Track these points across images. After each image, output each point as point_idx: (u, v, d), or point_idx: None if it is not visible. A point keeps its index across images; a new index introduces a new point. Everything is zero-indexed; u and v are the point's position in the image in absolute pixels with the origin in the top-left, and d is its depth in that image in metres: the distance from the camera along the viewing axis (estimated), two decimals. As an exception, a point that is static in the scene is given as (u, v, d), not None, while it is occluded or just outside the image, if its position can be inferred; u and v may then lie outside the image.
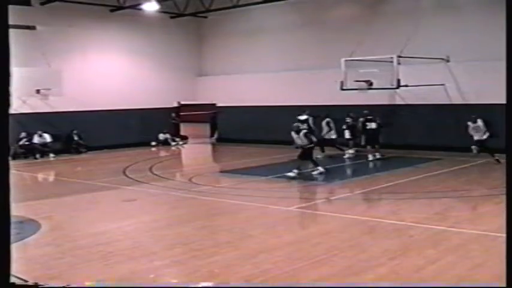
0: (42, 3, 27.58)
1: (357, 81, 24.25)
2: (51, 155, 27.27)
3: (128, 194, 16.86)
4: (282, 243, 10.46)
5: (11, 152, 26.56)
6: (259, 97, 31.06)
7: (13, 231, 11.63)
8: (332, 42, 28.01)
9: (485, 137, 20.79)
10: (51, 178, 22.73)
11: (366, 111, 23.60)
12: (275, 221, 12.74)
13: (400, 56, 23.05)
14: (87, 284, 8.11)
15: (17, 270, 9.00)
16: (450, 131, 24.18)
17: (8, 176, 3.14)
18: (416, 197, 15.32)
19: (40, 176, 22.62)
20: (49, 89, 26.32)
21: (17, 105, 26.64)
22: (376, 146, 23.20)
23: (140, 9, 29.25)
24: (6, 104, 3.07)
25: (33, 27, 27.01)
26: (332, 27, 28.62)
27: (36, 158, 26.53)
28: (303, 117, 24.85)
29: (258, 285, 8.28)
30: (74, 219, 13.68)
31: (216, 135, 33.96)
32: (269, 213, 13.57)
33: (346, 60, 24.35)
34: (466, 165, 20.56)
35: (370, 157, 22.92)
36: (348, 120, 24.93)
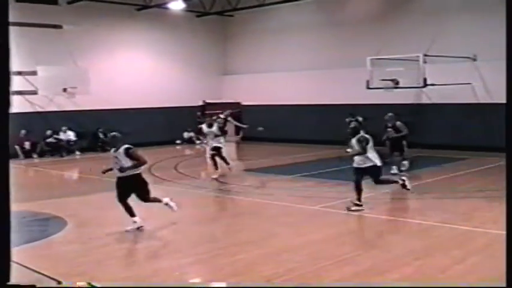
0: (69, 3, 27.78)
1: (383, 80, 24.14)
2: (77, 152, 27.49)
3: (153, 192, 16.91)
4: (306, 242, 10.44)
5: (38, 149, 26.82)
6: (284, 96, 31.03)
7: (39, 228, 11.71)
8: (358, 41, 27.92)
9: None
10: (76, 176, 22.88)
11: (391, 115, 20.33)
12: (300, 220, 12.73)
13: (426, 55, 22.91)
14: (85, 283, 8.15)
15: (43, 267, 9.12)
16: (477, 130, 23.98)
17: (8, 176, 3.14)
18: (442, 196, 15.21)
19: (66, 174, 22.78)
20: (75, 88, 26.46)
21: (44, 103, 26.92)
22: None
23: (166, 8, 29.40)
24: (6, 103, 3.08)
25: (60, 27, 27.22)
26: (358, 26, 28.50)
27: (62, 156, 26.74)
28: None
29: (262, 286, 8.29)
30: (99, 216, 13.76)
31: (241, 134, 33.96)
32: (294, 212, 13.56)
33: (372, 59, 24.26)
34: (492, 165, 20.33)
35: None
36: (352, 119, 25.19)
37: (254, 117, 32.02)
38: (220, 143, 19.59)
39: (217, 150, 19.45)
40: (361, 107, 26.14)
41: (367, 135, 13.69)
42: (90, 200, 15.83)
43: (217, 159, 19.49)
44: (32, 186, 20.13)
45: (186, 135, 32.14)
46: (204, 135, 22.93)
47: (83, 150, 27.67)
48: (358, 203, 13.24)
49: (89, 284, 7.89)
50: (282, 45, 31.71)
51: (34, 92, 25.96)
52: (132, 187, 11.85)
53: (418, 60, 22.97)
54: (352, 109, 26.18)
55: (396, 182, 14.07)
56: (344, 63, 28.33)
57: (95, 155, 27.44)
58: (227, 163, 19.87)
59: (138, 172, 11.88)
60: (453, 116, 25.13)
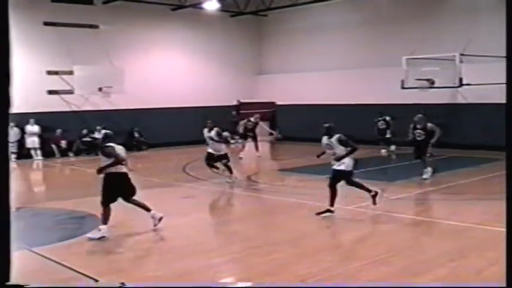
0: (104, 3, 28.03)
1: (418, 79, 23.97)
2: (113, 151, 27.72)
3: (188, 191, 17.01)
4: (341, 242, 10.43)
5: (74, 148, 27.11)
6: (318, 95, 30.96)
7: (74, 226, 11.86)
8: (392, 41, 27.77)
9: None
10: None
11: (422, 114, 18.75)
12: (334, 220, 12.68)
13: (462, 54, 22.69)
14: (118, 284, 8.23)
15: (78, 265, 9.23)
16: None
17: (8, 176, 3.15)
18: (478, 198, 15.06)
19: (102, 172, 22.96)
20: (111, 87, 26.75)
21: (80, 102, 27.22)
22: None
23: (201, 8, 29.51)
24: (6, 104, 3.10)
25: (96, 26, 27.51)
26: (393, 25, 28.34)
27: (97, 155, 26.94)
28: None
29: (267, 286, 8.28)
30: (134, 215, 13.85)
31: (275, 134, 33.94)
32: (327, 212, 13.51)
33: (407, 59, 24.10)
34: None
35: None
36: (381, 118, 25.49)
37: (288, 117, 32.10)
38: (220, 150, 18.32)
39: (224, 159, 18.15)
40: (395, 106, 25.96)
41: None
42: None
43: (228, 164, 18.23)
44: (68, 185, 20.36)
45: (220, 134, 32.18)
46: (243, 135, 24.58)
47: (118, 149, 27.88)
48: (330, 208, 12.73)
49: (122, 284, 7.97)
50: (316, 45, 31.67)
51: (70, 92, 26.29)
52: (120, 187, 11.48)
53: (454, 60, 22.77)
54: (386, 109, 26.02)
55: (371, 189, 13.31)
56: (378, 62, 28.20)
57: (130, 154, 27.57)
58: (231, 172, 18.11)
59: (122, 171, 11.49)
60: (489, 116, 24.81)
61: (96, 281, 8.26)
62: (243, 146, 25.40)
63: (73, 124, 26.91)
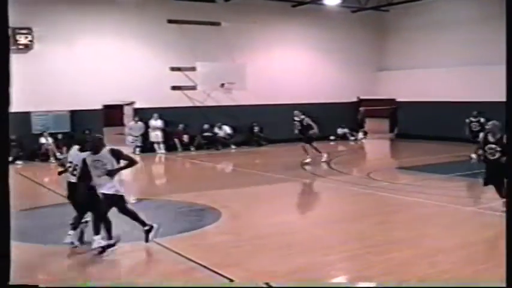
0: (226, 0, 28.45)
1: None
2: (233, 146, 28.15)
3: (305, 188, 17.03)
4: (461, 244, 10.14)
5: (195, 142, 27.71)
6: (440, 92, 30.17)
7: (195, 218, 12.16)
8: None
9: None
10: (231, 169, 23.42)
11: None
12: (454, 220, 12.38)
13: None
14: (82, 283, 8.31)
15: (197, 256, 9.43)
16: None
17: (8, 175, 3.22)
18: None
19: (220, 167, 23.37)
20: (233, 83, 27.14)
21: (202, 98, 27.80)
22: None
23: (321, 3, 29.43)
24: (6, 103, 3.16)
25: (218, 24, 27.97)
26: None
27: (218, 149, 27.46)
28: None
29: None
30: (252, 209, 14.03)
31: (395, 131, 33.51)
32: (448, 212, 13.20)
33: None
34: None
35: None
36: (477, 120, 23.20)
37: (409, 114, 31.52)
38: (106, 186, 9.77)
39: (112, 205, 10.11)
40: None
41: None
42: (243, 192, 16.15)
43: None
44: (188, 178, 20.84)
45: (340, 131, 32.04)
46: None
47: (238, 144, 28.28)
48: (110, 242, 9.74)
49: (267, 284, 8.06)
50: (439, 41, 30.87)
51: (193, 87, 26.90)
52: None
53: None
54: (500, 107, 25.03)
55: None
56: (501, 59, 27.17)
57: (249, 149, 27.97)
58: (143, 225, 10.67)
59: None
60: None
61: (232, 280, 8.36)
62: (305, 151, 22.24)
63: (195, 119, 27.50)
